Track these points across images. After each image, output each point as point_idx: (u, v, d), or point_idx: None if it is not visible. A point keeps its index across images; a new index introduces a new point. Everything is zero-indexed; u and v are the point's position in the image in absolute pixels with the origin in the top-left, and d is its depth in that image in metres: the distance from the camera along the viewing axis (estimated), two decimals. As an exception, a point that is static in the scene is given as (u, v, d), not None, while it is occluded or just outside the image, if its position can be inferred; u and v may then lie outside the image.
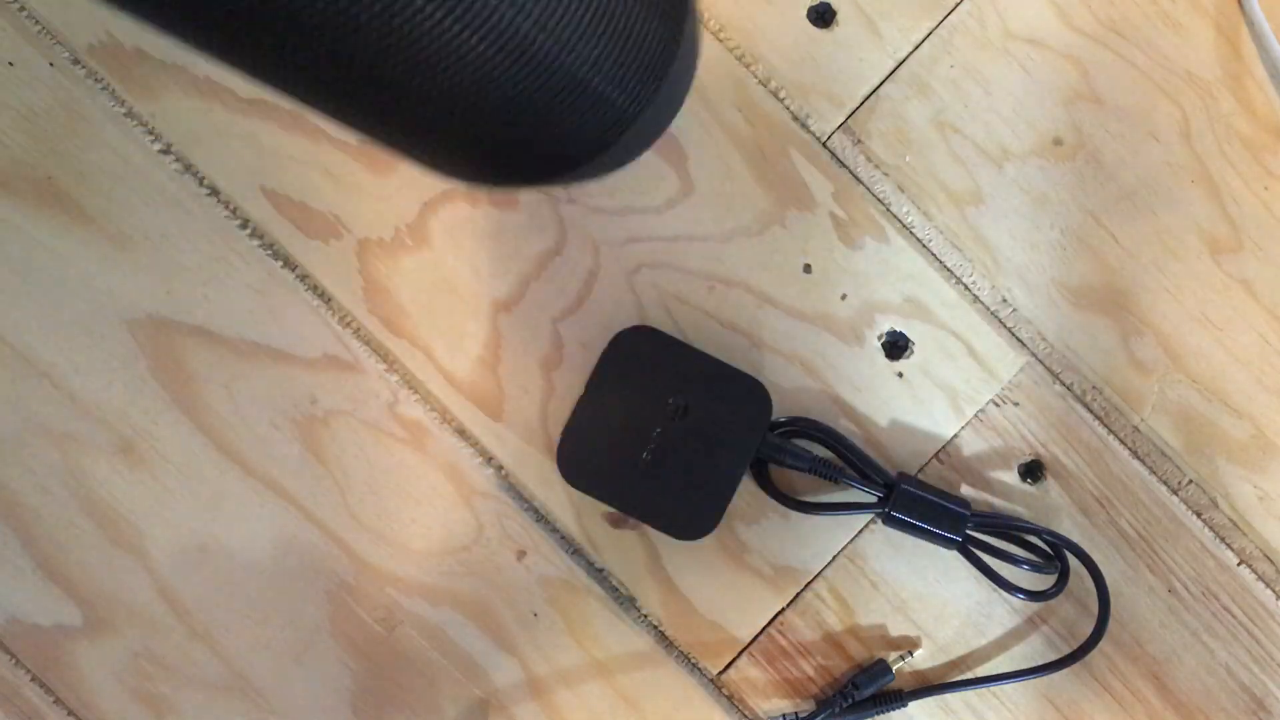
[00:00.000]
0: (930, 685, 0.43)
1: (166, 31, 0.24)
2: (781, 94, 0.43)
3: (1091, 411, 0.43)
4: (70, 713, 0.43)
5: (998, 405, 0.44)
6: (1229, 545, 0.43)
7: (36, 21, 0.43)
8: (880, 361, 0.43)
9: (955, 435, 0.43)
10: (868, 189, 0.43)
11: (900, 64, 0.43)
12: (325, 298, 0.43)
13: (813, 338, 0.43)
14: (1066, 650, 0.43)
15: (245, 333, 0.43)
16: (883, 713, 0.43)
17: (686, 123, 0.43)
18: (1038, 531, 0.42)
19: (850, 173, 0.43)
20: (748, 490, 0.43)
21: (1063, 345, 0.43)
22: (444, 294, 0.43)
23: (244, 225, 0.43)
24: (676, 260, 0.43)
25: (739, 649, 0.44)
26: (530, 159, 0.30)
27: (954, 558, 0.43)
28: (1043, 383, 0.43)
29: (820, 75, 0.43)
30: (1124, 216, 0.43)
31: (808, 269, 0.43)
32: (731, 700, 0.44)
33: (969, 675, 0.43)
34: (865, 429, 0.43)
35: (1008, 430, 0.43)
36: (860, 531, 0.43)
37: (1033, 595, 0.42)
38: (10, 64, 0.43)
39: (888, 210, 0.43)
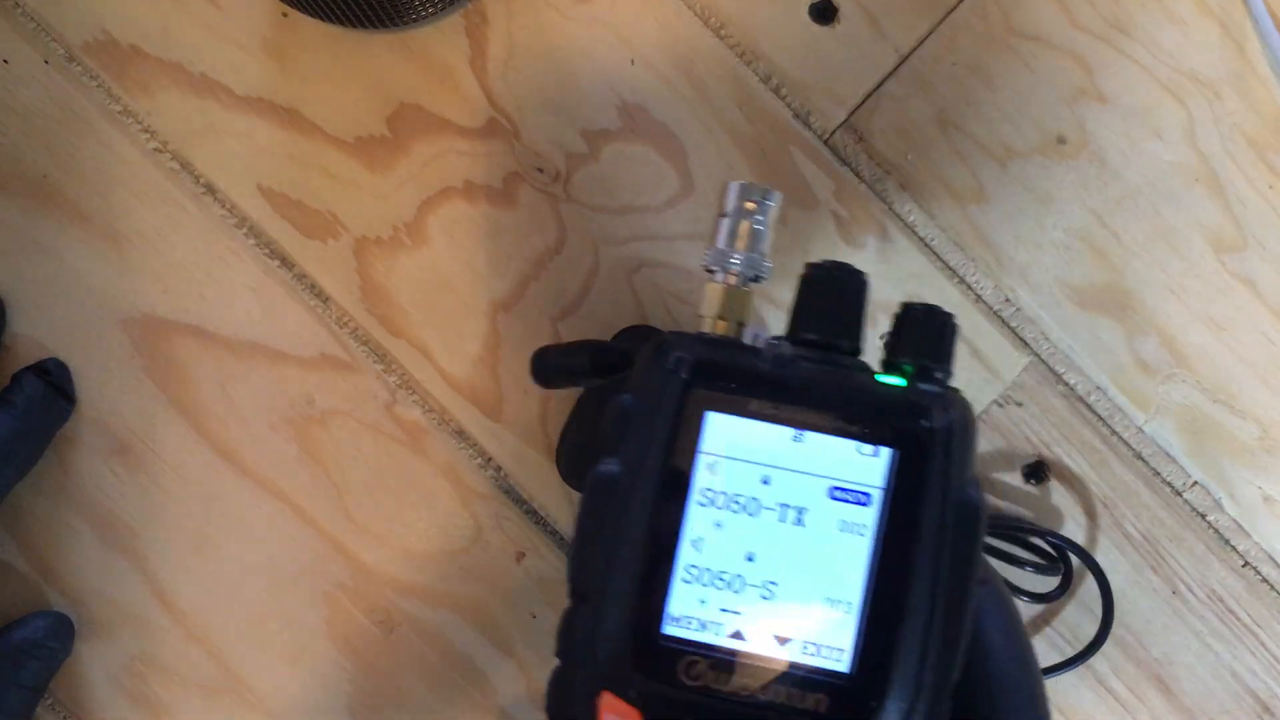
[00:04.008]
0: (932, 688, 0.43)
1: None
2: (783, 92, 0.43)
3: (1095, 412, 0.43)
4: (67, 715, 0.42)
5: (1001, 406, 0.43)
6: (1234, 547, 0.43)
7: (32, 19, 0.42)
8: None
9: (958, 436, 0.43)
10: (870, 188, 0.43)
11: (902, 61, 0.43)
12: (323, 297, 0.43)
13: (814, 338, 0.43)
14: (1071, 652, 0.43)
15: (242, 332, 0.43)
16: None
17: (687, 121, 0.43)
18: (1041, 533, 0.42)
19: (852, 171, 0.43)
20: (748, 491, 0.43)
21: (1066, 345, 0.43)
22: (442, 294, 0.43)
23: (240, 224, 0.43)
24: (677, 259, 0.43)
25: (740, 651, 0.43)
26: None
27: (956, 559, 0.43)
28: (1046, 383, 0.43)
29: (822, 73, 0.43)
30: (1128, 215, 0.43)
31: (809, 268, 0.43)
32: (732, 703, 0.43)
33: (971, 678, 0.43)
34: (867, 430, 0.43)
35: (1011, 431, 0.43)
36: (862, 533, 0.43)
37: (1036, 597, 0.42)
38: (5, 61, 0.42)
39: (890, 209, 0.43)
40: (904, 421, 0.29)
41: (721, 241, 0.32)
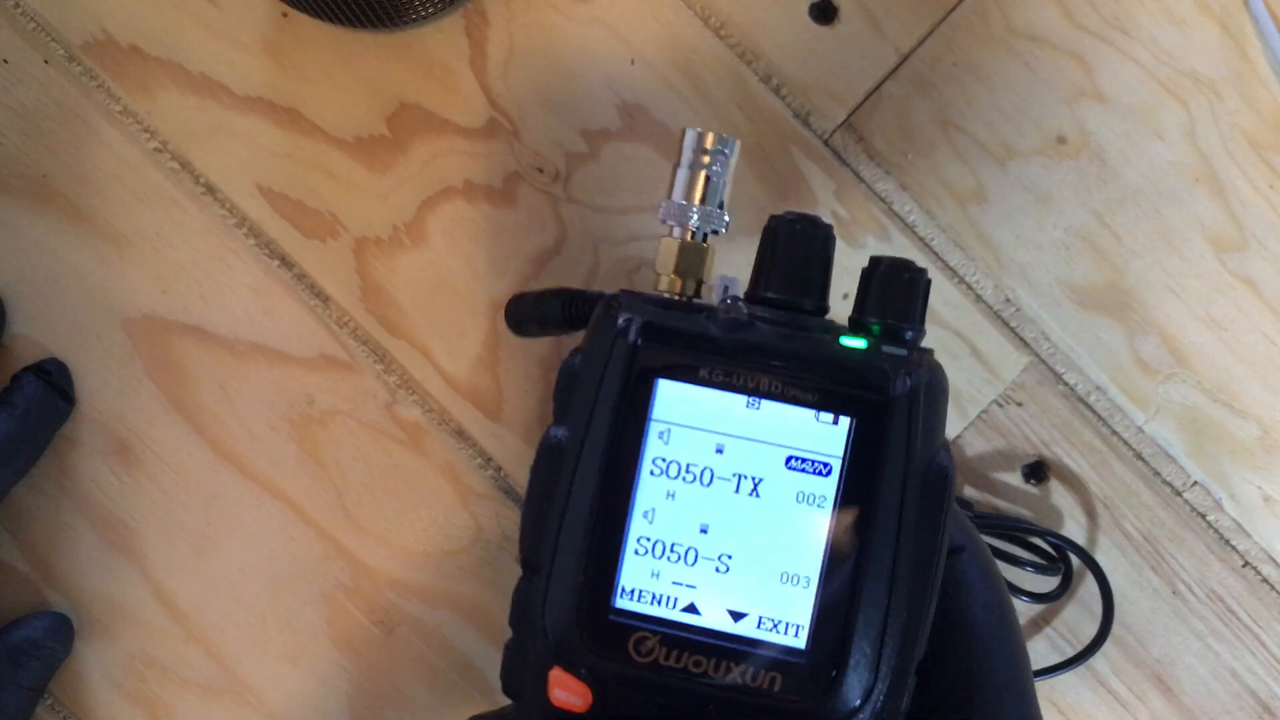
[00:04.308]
0: (932, 688, 0.43)
1: None
2: (783, 91, 0.43)
3: (1095, 412, 0.43)
4: (67, 715, 0.42)
5: (1001, 405, 0.43)
6: (1234, 547, 0.43)
7: (31, 19, 0.42)
8: (882, 361, 0.43)
9: (958, 436, 0.43)
10: (869, 187, 0.43)
11: (902, 61, 0.43)
12: (322, 297, 0.43)
13: (814, 337, 0.43)
14: (1070, 652, 0.43)
15: (242, 332, 0.43)
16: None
17: (687, 121, 0.43)
18: (1041, 533, 0.42)
19: (852, 171, 0.43)
20: (748, 491, 0.43)
21: (1066, 345, 0.43)
22: (442, 293, 0.43)
23: (240, 224, 0.43)
24: (677, 259, 0.43)
25: (740, 651, 0.43)
26: None
27: (956, 559, 0.43)
28: (1046, 383, 0.43)
29: (822, 72, 0.43)
30: (1128, 215, 0.43)
31: (809, 268, 0.43)
32: (732, 703, 0.43)
33: (971, 678, 0.43)
34: (867, 430, 0.43)
35: (1011, 431, 0.43)
36: (862, 533, 0.43)
37: (1036, 597, 0.42)
38: (5, 61, 0.42)
39: (890, 209, 0.43)
40: (863, 387, 0.27)
41: (677, 194, 0.30)
